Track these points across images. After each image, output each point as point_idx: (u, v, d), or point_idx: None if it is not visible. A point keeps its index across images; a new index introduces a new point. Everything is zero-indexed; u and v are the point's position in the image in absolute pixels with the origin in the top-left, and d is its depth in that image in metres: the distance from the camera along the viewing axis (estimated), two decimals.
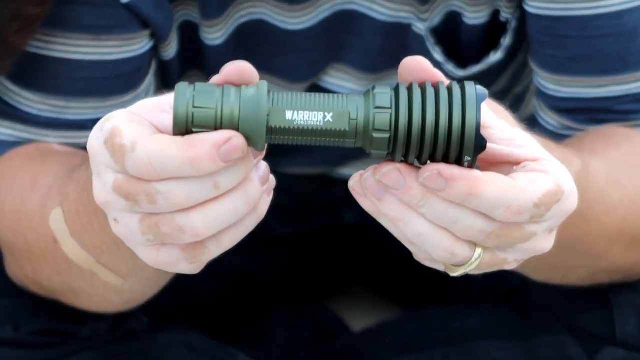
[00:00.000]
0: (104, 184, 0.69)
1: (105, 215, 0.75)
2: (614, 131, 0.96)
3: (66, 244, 0.87)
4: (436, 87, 0.67)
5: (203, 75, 1.03)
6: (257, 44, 1.00)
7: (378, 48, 0.99)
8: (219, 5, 0.95)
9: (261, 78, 0.98)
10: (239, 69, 0.69)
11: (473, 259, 0.69)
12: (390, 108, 0.67)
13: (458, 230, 0.68)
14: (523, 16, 0.96)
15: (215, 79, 0.69)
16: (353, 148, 0.70)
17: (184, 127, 0.66)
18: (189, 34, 0.98)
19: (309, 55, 1.00)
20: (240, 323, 1.17)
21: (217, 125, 0.66)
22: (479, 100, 0.67)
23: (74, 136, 0.97)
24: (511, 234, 0.68)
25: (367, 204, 0.69)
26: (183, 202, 0.66)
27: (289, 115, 0.67)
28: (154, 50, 0.98)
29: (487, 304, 1.09)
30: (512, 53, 1.00)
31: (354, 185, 0.70)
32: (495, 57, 0.99)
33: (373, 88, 0.68)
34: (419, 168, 0.68)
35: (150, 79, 0.99)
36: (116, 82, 0.96)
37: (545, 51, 0.96)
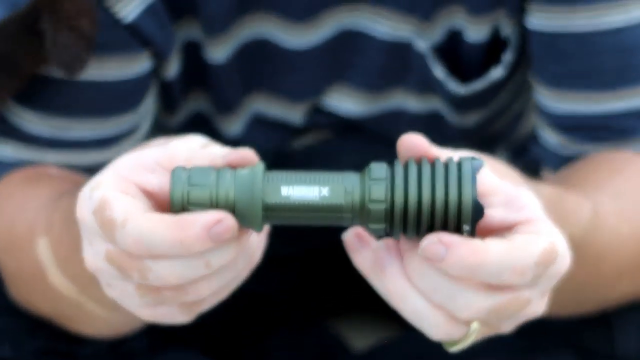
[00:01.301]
0: (95, 252, 0.70)
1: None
2: (615, 158, 0.97)
3: (52, 273, 0.87)
4: (432, 163, 0.68)
5: (206, 95, 1.03)
6: (260, 62, 1.00)
7: (380, 67, 0.99)
8: (222, 20, 0.96)
9: (260, 97, 0.99)
10: (241, 156, 0.69)
11: (470, 334, 0.70)
12: (386, 179, 0.68)
13: (455, 309, 0.68)
14: (523, 32, 0.97)
15: (216, 162, 0.69)
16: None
17: (180, 209, 0.67)
18: (192, 53, 0.99)
19: (312, 75, 1.00)
20: (241, 344, 1.17)
21: (213, 201, 0.67)
22: (474, 173, 0.68)
23: (75, 156, 0.97)
24: (509, 306, 0.69)
25: (360, 260, 0.70)
26: (174, 281, 0.67)
27: (284, 191, 0.68)
28: (155, 71, 0.98)
29: None
30: (513, 69, 1.00)
31: (349, 238, 0.71)
32: (496, 73, 0.99)
33: (368, 166, 0.68)
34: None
35: (151, 100, 0.99)
36: (116, 102, 0.96)
37: (546, 66, 0.96)
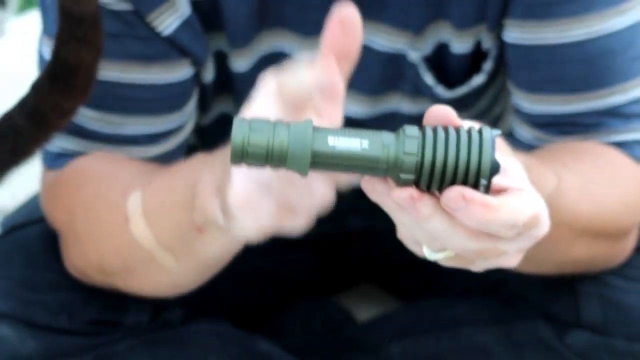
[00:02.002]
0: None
1: (180, 200, 0.86)
2: (580, 146, 1.02)
3: (136, 223, 0.94)
4: (457, 129, 0.72)
5: (232, 99, 1.07)
6: None
7: (378, 74, 1.03)
8: (244, 35, 1.01)
9: None
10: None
11: (445, 256, 0.75)
12: (418, 137, 0.71)
13: (447, 244, 0.74)
14: (502, 45, 1.02)
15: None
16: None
17: (240, 151, 0.70)
18: (220, 62, 1.03)
19: None
20: (261, 315, 1.23)
21: (269, 146, 0.70)
22: (493, 137, 0.71)
23: (129, 150, 1.02)
24: (488, 252, 0.74)
25: (397, 193, 0.71)
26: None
27: (331, 141, 0.70)
28: (197, 77, 1.02)
29: (472, 296, 1.14)
30: (492, 76, 1.05)
31: (368, 186, 0.73)
32: (478, 80, 1.04)
33: (403, 129, 0.71)
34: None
35: (194, 101, 1.04)
36: (163, 103, 1.01)
37: (521, 74, 1.01)
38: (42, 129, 0.96)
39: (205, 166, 0.85)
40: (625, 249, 1.04)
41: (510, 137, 1.06)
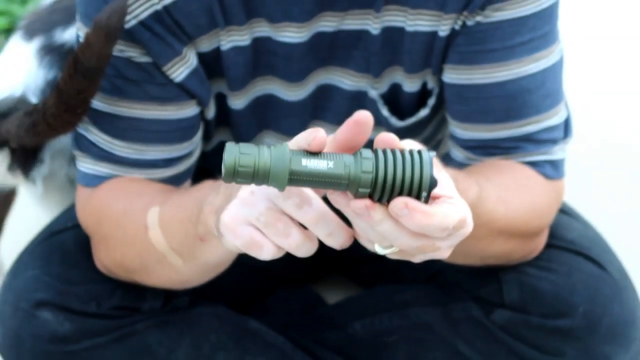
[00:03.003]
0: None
1: (189, 215, 0.88)
2: (501, 163, 1.07)
3: (153, 231, 0.97)
4: (402, 151, 0.75)
5: (230, 131, 1.12)
6: (267, 110, 1.09)
7: (346, 108, 1.10)
8: (240, 82, 1.06)
9: (268, 135, 1.11)
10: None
11: (392, 251, 0.80)
12: (372, 158, 0.74)
13: (395, 243, 0.78)
14: (441, 84, 1.08)
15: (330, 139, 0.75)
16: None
17: (232, 170, 0.73)
18: (221, 101, 1.08)
19: (302, 117, 1.10)
20: (251, 300, 1.29)
21: (255, 166, 0.73)
22: (431, 158, 0.76)
23: (150, 172, 1.06)
24: (426, 248, 0.79)
25: (354, 204, 0.75)
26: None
27: (304, 162, 0.74)
28: (202, 114, 1.07)
29: (418, 283, 1.21)
30: (435, 109, 1.12)
31: (332, 197, 0.77)
32: (423, 112, 1.11)
33: (360, 152, 0.75)
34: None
35: (200, 133, 1.08)
36: (176, 134, 1.05)
37: (455, 108, 1.07)
38: (67, 111, 1.01)
39: (211, 190, 0.90)
40: (537, 245, 1.10)
41: (448, 157, 1.12)
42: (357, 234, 0.80)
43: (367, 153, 0.74)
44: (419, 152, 0.75)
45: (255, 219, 0.78)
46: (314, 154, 0.74)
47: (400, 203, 0.74)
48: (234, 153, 0.72)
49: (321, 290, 1.38)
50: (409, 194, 0.75)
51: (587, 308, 1.08)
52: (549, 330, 1.10)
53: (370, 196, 0.75)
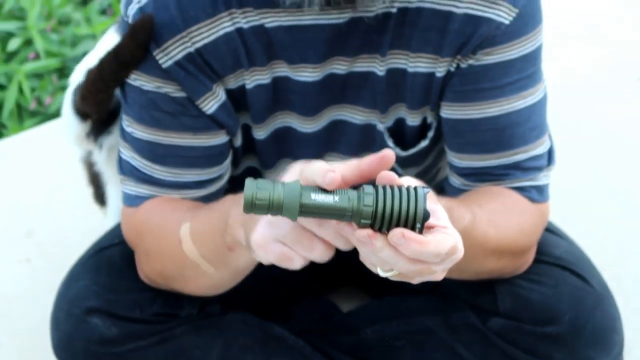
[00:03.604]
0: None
1: (216, 228, 0.94)
2: (492, 190, 1.11)
3: (186, 243, 1.03)
4: (399, 187, 0.79)
5: (255, 158, 1.17)
6: (286, 140, 1.15)
7: (356, 141, 1.14)
8: (261, 116, 1.12)
9: (286, 163, 1.14)
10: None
11: (393, 274, 0.85)
12: (373, 193, 0.78)
13: (395, 268, 0.82)
14: (439, 119, 1.13)
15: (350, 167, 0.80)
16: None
17: (250, 202, 0.78)
18: (246, 131, 1.13)
19: (316, 148, 1.15)
20: (275, 309, 1.33)
21: (270, 200, 0.78)
22: (425, 194, 0.80)
23: (184, 192, 1.12)
24: (422, 272, 0.83)
25: (359, 233, 0.79)
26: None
27: (312, 196, 0.79)
28: (230, 142, 1.12)
29: (422, 293, 1.25)
30: (434, 141, 1.16)
31: (339, 227, 0.81)
32: (424, 143, 1.15)
33: (362, 188, 0.79)
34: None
35: (229, 159, 1.13)
36: (208, 160, 1.11)
37: (451, 139, 1.11)
38: (102, 80, 1.09)
39: (233, 204, 0.95)
40: (526, 261, 1.15)
41: (447, 182, 1.17)
42: (362, 258, 0.85)
43: (369, 189, 0.79)
44: (415, 189, 0.80)
45: (283, 237, 0.84)
46: (323, 189, 0.80)
47: (398, 233, 0.80)
48: (252, 188, 0.78)
49: (337, 299, 1.42)
50: (405, 225, 0.80)
51: (572, 316, 1.13)
52: (539, 336, 1.14)
53: (372, 226, 0.81)
